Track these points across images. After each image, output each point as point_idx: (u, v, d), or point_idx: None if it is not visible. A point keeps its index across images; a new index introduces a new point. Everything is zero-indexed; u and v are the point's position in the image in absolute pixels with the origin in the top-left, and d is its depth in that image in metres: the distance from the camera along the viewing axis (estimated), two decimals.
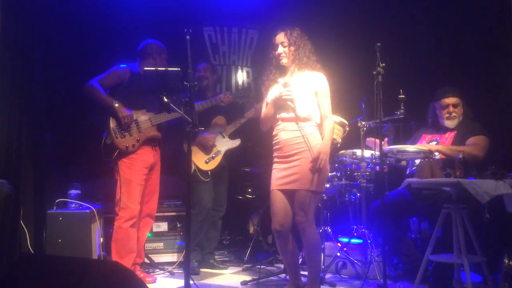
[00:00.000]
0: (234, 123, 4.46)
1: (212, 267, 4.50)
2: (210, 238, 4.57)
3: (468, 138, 3.90)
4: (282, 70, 3.46)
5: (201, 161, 4.31)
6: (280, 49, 3.39)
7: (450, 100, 3.99)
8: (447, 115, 4.00)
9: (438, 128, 4.07)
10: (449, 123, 4.00)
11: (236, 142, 4.48)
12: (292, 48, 3.37)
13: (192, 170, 4.25)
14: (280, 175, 3.33)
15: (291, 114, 3.33)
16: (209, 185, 4.35)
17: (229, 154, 4.51)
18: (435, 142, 3.97)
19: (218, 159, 4.39)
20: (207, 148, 4.33)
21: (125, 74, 3.93)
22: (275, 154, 3.41)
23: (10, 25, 3.78)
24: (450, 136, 3.98)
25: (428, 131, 4.13)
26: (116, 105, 3.80)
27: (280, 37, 3.40)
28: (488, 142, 3.88)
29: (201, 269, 4.43)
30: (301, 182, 3.25)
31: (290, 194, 3.30)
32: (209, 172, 4.32)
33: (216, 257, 4.71)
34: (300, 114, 3.31)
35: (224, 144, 4.45)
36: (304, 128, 3.31)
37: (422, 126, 4.26)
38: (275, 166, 3.40)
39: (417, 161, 3.91)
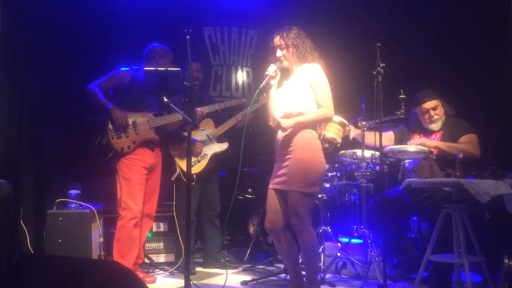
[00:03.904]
0: (222, 127, 4.41)
1: (224, 266, 4.49)
2: (212, 239, 4.56)
3: (459, 137, 3.92)
4: (284, 73, 3.42)
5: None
6: (279, 53, 3.35)
7: (429, 104, 4.01)
8: (429, 119, 4.02)
9: (424, 130, 4.08)
10: (434, 126, 4.03)
11: (224, 146, 4.43)
12: (291, 49, 3.32)
13: (177, 173, 4.25)
14: (275, 174, 3.33)
15: (284, 112, 3.29)
16: (194, 189, 4.29)
17: (216, 156, 4.47)
18: None
19: (204, 163, 4.35)
20: (193, 153, 4.29)
21: (125, 77, 3.98)
22: (276, 152, 3.41)
23: (10, 26, 3.77)
24: (436, 137, 4.00)
25: (416, 131, 4.13)
26: (110, 107, 3.84)
27: (277, 40, 3.36)
28: (478, 138, 3.91)
29: (211, 270, 4.45)
30: (290, 183, 3.20)
31: (283, 195, 3.28)
32: (194, 175, 4.23)
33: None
34: (291, 111, 3.26)
35: (211, 148, 4.40)
36: (296, 128, 3.25)
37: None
38: (275, 164, 3.40)
39: (407, 162, 3.94)
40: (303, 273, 3.38)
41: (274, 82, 3.36)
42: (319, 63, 3.34)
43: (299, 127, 3.23)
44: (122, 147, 3.89)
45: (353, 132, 4.15)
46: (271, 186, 3.35)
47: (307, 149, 3.23)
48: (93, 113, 4.01)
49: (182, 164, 4.26)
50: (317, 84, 3.26)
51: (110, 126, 3.87)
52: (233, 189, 5.33)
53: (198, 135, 4.34)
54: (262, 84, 3.32)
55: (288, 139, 3.27)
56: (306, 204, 3.20)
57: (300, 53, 3.32)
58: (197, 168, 4.30)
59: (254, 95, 3.34)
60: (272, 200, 3.31)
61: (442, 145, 3.85)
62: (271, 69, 3.32)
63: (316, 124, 3.37)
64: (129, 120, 3.91)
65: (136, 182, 3.92)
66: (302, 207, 3.18)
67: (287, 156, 3.26)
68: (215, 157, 4.44)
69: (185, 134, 4.15)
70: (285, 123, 3.19)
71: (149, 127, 3.97)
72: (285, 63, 3.36)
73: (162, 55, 4.04)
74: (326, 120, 3.49)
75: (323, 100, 3.25)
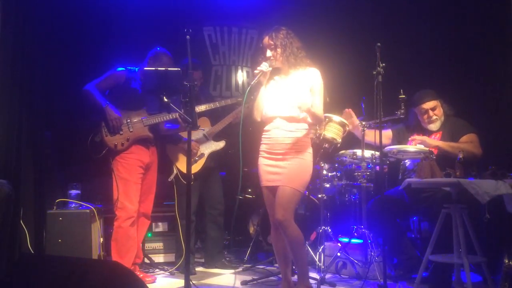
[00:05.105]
0: (218, 125, 4.39)
1: (224, 266, 4.49)
2: (214, 238, 4.56)
3: (459, 137, 3.92)
4: (274, 71, 3.44)
5: (183, 164, 4.24)
6: (268, 53, 3.38)
7: (428, 105, 4.01)
8: (428, 120, 4.01)
9: (423, 130, 4.08)
10: (433, 126, 4.03)
11: (220, 144, 4.42)
12: (279, 50, 3.35)
13: (174, 174, 4.25)
14: (267, 171, 3.36)
15: (288, 113, 3.32)
16: (193, 189, 4.28)
17: (215, 155, 4.45)
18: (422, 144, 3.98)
19: (201, 162, 4.34)
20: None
21: (121, 77, 4.00)
22: (263, 148, 3.41)
23: (10, 25, 3.78)
24: (436, 137, 4.00)
25: (415, 131, 4.14)
26: (105, 107, 3.85)
27: (266, 41, 3.40)
28: (478, 138, 3.92)
29: (211, 270, 4.45)
30: (287, 180, 3.27)
31: (274, 191, 3.34)
32: (192, 175, 4.25)
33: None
34: (298, 115, 3.32)
35: (208, 147, 4.39)
36: (297, 130, 3.33)
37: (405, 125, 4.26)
38: (262, 160, 3.41)
39: (408, 162, 3.93)
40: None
41: (264, 80, 3.39)
42: (309, 64, 3.40)
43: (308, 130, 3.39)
44: (116, 144, 3.89)
45: (356, 120, 4.13)
46: (265, 184, 3.38)
47: (309, 154, 3.36)
48: (91, 113, 4.01)
49: (178, 164, 4.26)
50: (317, 90, 3.36)
51: (104, 123, 3.89)
52: (233, 189, 5.34)
53: (194, 135, 4.32)
54: (254, 81, 3.35)
55: (289, 140, 3.31)
56: (295, 201, 3.32)
57: (287, 53, 3.35)
58: (195, 167, 4.29)
59: (245, 92, 3.36)
60: (272, 197, 3.37)
61: (443, 144, 3.85)
62: (263, 66, 3.34)
63: (316, 119, 3.41)
64: (123, 119, 3.92)
65: (132, 182, 3.92)
66: (291, 202, 3.28)
67: (288, 156, 3.30)
68: (214, 155, 4.43)
69: (182, 134, 4.18)
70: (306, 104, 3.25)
71: (143, 125, 3.98)
72: (274, 63, 3.39)
73: (164, 63, 3.95)
74: (318, 122, 3.54)
75: (319, 105, 3.35)
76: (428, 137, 4.02)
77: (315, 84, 3.36)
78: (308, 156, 3.35)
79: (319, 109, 3.34)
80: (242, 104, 3.43)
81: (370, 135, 4.11)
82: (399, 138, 4.15)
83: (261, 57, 3.43)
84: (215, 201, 4.54)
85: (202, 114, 4.29)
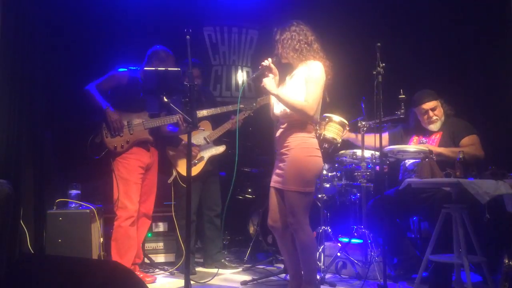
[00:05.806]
0: (219, 129, 4.39)
1: (224, 266, 4.50)
2: (212, 239, 4.56)
3: (461, 138, 3.92)
4: (287, 68, 3.40)
5: (182, 167, 4.24)
6: (276, 50, 3.38)
7: (428, 105, 4.00)
8: (428, 120, 4.01)
9: (423, 130, 4.08)
10: (433, 127, 4.03)
11: (220, 149, 4.42)
12: (279, 45, 3.33)
13: (173, 176, 4.25)
14: (275, 171, 3.36)
15: (280, 110, 3.30)
16: (193, 191, 4.27)
17: (215, 157, 4.45)
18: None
19: (200, 165, 4.34)
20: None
21: (122, 78, 3.99)
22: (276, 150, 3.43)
23: (10, 25, 3.78)
24: (436, 137, 4.00)
25: (415, 131, 4.13)
26: (106, 109, 3.85)
27: (274, 36, 3.39)
28: (479, 139, 3.92)
29: (211, 270, 4.45)
30: (286, 182, 3.22)
31: (281, 193, 3.31)
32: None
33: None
34: (286, 108, 3.25)
35: (208, 151, 4.39)
36: (287, 125, 3.29)
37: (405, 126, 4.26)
38: (275, 162, 3.42)
39: (408, 162, 3.93)
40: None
41: (271, 75, 3.31)
42: (319, 59, 3.29)
43: (282, 103, 3.24)
44: (115, 146, 3.89)
45: (352, 135, 4.15)
46: (271, 184, 3.38)
47: (302, 149, 3.24)
48: (92, 113, 4.01)
49: (178, 167, 4.26)
50: (309, 81, 3.22)
51: (105, 124, 3.89)
52: (235, 189, 5.33)
53: (195, 138, 4.32)
54: (253, 75, 3.33)
55: (284, 138, 3.29)
56: (302, 203, 3.22)
57: (286, 48, 3.30)
58: (194, 170, 4.27)
59: (241, 87, 3.36)
60: (273, 198, 3.35)
61: (446, 151, 3.83)
62: (265, 62, 3.30)
63: (291, 109, 3.21)
64: (124, 121, 3.92)
65: (132, 182, 3.93)
66: (297, 206, 3.20)
67: (284, 156, 3.28)
68: (213, 158, 4.43)
69: (182, 137, 4.17)
70: (268, 85, 3.22)
71: (144, 128, 3.98)
72: (283, 59, 3.35)
73: (162, 59, 3.97)
74: (302, 115, 3.19)
75: (308, 96, 3.19)
76: (429, 137, 4.02)
77: (308, 75, 3.22)
78: (303, 151, 3.22)
79: (309, 99, 3.17)
80: (246, 111, 3.42)
81: (368, 140, 4.11)
82: (396, 141, 4.15)
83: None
84: (213, 203, 4.54)
85: (203, 117, 4.29)
